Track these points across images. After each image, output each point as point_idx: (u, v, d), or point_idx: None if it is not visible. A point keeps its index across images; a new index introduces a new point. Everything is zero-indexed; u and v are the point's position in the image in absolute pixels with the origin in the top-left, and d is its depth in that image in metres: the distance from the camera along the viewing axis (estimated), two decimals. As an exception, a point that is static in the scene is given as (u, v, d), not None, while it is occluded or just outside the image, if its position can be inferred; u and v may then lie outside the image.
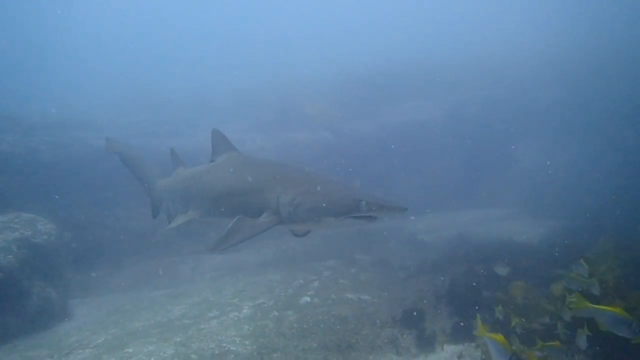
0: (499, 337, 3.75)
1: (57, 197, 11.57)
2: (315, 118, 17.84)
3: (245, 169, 5.77)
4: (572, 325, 5.22)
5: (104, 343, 6.71)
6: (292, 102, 19.43)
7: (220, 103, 24.61)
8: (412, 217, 13.96)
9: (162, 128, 18.09)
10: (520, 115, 17.34)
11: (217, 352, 6.11)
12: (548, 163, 15.37)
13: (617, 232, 9.01)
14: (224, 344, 6.34)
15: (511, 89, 19.04)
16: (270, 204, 4.96)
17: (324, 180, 5.14)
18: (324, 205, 4.56)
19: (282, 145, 16.79)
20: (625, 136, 15.09)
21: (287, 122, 17.94)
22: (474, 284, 7.53)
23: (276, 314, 7.35)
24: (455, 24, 39.36)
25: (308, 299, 7.98)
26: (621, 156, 14.80)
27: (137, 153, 8.68)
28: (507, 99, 18.54)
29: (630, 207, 11.99)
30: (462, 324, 6.67)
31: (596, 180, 14.10)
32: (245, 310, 7.65)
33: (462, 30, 37.21)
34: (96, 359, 6.12)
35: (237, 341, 6.42)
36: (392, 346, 6.49)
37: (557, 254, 7.97)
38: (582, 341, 4.54)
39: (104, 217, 12.65)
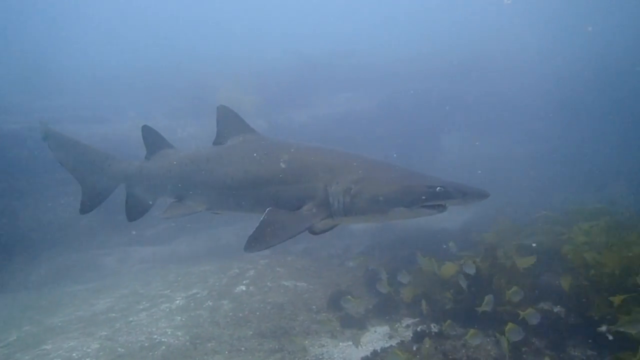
0: None
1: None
2: (244, 104, 17.25)
3: (274, 153, 4.87)
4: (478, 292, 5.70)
5: (16, 341, 6.16)
6: (215, 88, 18.51)
7: (135, 86, 22.83)
8: None
9: (81, 113, 16.78)
10: (449, 108, 18.24)
11: (147, 344, 5.83)
12: (472, 154, 16.32)
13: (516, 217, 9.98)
14: (155, 336, 6.07)
15: (441, 83, 19.94)
16: (315, 195, 4.30)
17: (381, 165, 4.51)
18: (392, 193, 3.97)
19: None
20: (537, 128, 16.51)
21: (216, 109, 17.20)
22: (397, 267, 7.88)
23: (210, 303, 7.17)
24: (389, 17, 40.25)
25: (243, 287, 7.86)
26: (534, 147, 16.20)
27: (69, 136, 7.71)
28: (437, 93, 19.39)
29: (540, 193, 13.28)
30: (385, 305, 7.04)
31: (513, 169, 15.30)
32: (177, 301, 7.38)
33: (396, 23, 38.18)
34: (7, 358, 5.59)
35: (169, 332, 6.18)
36: (327, 330, 6.57)
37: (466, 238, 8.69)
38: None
39: (16, 208, 11.53)
